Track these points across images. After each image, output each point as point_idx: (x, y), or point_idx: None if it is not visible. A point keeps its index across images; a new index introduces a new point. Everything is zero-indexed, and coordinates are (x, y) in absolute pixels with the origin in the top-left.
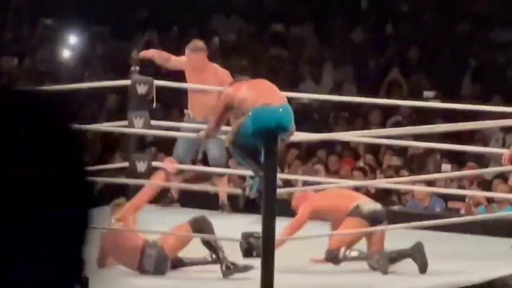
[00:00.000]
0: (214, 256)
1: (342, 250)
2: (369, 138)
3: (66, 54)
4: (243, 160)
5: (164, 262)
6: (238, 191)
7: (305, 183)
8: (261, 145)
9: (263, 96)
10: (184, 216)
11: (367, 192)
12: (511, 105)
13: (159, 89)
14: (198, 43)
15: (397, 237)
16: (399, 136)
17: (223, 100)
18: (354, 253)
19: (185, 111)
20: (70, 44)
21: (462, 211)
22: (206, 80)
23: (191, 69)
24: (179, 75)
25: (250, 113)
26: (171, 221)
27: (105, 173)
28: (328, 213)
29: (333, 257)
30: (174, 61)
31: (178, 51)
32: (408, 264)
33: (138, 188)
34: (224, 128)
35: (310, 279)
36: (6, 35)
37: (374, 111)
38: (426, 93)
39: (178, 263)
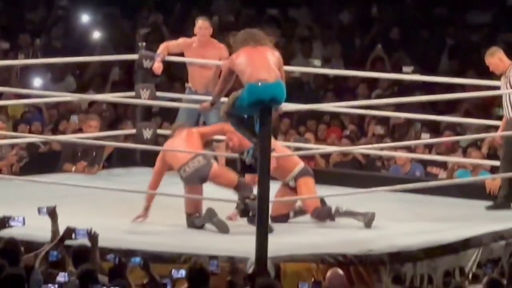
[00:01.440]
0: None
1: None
2: (355, 109)
3: (79, 32)
4: (238, 128)
5: None
6: (235, 156)
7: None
8: (255, 115)
9: (259, 72)
10: None
11: (353, 158)
12: (484, 79)
13: (164, 63)
14: (205, 20)
15: (380, 199)
16: (382, 107)
17: (227, 64)
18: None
19: (186, 84)
20: (83, 23)
21: (440, 176)
22: (206, 54)
23: (196, 43)
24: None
25: (246, 87)
26: (177, 183)
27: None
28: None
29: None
30: (173, 48)
31: (180, 31)
32: (389, 224)
33: (145, 151)
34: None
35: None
36: (24, 15)
37: (359, 84)
38: (405, 68)
39: None
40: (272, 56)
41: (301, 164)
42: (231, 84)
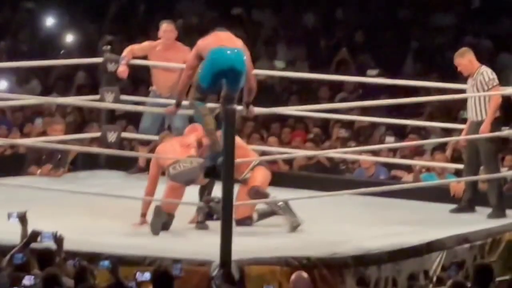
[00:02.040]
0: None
1: None
2: (320, 113)
3: (44, 35)
4: (202, 119)
5: None
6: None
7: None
8: (219, 87)
9: (221, 40)
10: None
11: (318, 162)
12: (448, 81)
13: (129, 66)
14: (170, 23)
15: (345, 202)
16: (347, 110)
17: (194, 50)
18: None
19: (150, 88)
20: (48, 26)
21: (405, 179)
22: (171, 58)
23: (161, 46)
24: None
25: (209, 53)
26: (139, 186)
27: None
28: None
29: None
30: (138, 51)
31: (144, 33)
32: (354, 227)
33: (109, 156)
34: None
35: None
36: None
37: (323, 87)
38: (370, 71)
39: None
40: (237, 39)
41: (256, 160)
42: (193, 77)
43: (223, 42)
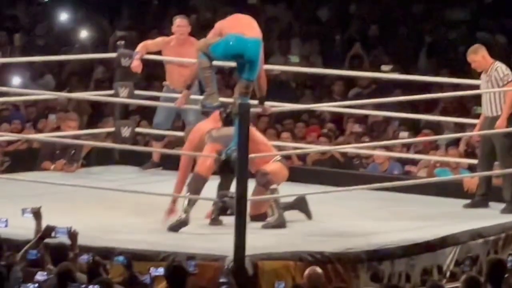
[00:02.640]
0: None
1: None
2: (334, 108)
3: (58, 30)
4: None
5: None
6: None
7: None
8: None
9: (242, 26)
10: (166, 177)
11: (332, 157)
12: (462, 77)
13: (143, 62)
14: (183, 18)
15: (359, 197)
16: (361, 106)
17: (213, 31)
18: None
19: (164, 83)
20: (63, 21)
21: (419, 174)
22: (185, 53)
23: (175, 42)
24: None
25: (225, 37)
26: (153, 181)
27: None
28: None
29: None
30: (152, 46)
31: (158, 28)
32: (367, 222)
33: (123, 150)
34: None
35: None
36: (2, 11)
37: (337, 82)
38: (384, 67)
39: None
40: (257, 28)
41: (277, 157)
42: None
43: (244, 28)
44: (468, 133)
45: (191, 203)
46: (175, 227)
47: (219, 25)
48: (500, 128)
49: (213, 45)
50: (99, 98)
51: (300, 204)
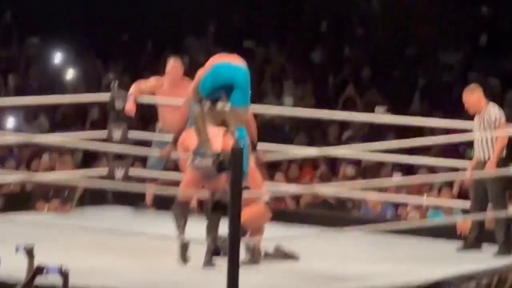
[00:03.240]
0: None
1: None
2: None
3: (52, 70)
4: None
5: None
6: (206, 195)
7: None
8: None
9: (226, 57)
10: (160, 218)
11: (325, 199)
12: (455, 118)
13: (137, 103)
14: (177, 59)
15: (351, 240)
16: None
17: (195, 81)
18: None
19: (157, 124)
20: (56, 62)
21: (411, 215)
22: (178, 95)
23: (168, 83)
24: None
25: (211, 69)
26: (147, 222)
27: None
28: None
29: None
30: (145, 88)
31: (152, 68)
32: (360, 265)
33: (116, 192)
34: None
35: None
36: None
37: (331, 123)
38: (377, 109)
39: None
40: (242, 61)
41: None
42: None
43: (229, 58)
44: (460, 175)
45: (181, 229)
46: (184, 257)
47: (197, 78)
48: (491, 171)
49: (202, 82)
50: (90, 145)
51: (278, 254)
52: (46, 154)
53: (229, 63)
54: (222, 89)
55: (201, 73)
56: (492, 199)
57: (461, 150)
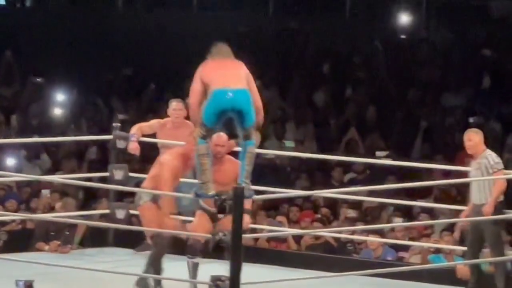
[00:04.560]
0: None
1: None
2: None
3: (54, 110)
4: (198, 159)
5: None
6: (208, 236)
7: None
8: (219, 125)
9: (225, 78)
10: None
11: (325, 242)
12: (456, 162)
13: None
14: (179, 102)
15: (351, 283)
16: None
17: (196, 75)
18: None
19: None
20: (58, 101)
21: (412, 260)
22: (180, 136)
23: (170, 125)
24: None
25: (212, 94)
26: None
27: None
28: None
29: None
30: (147, 129)
31: (154, 109)
32: None
33: (117, 232)
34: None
35: None
36: None
37: (333, 166)
38: (378, 153)
39: None
40: (240, 69)
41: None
42: (201, 102)
43: (227, 80)
44: (459, 219)
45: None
46: None
47: (199, 73)
48: (487, 214)
49: (204, 115)
50: (92, 184)
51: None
52: (45, 190)
53: (227, 89)
54: (225, 114)
55: (200, 74)
56: (490, 244)
57: (463, 194)
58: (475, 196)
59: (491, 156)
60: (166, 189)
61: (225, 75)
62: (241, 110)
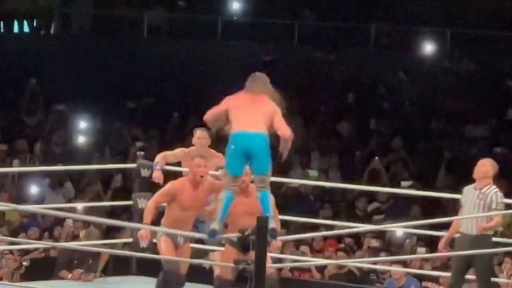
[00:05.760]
0: None
1: None
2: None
3: (77, 137)
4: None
5: None
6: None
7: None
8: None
9: (245, 123)
10: None
11: (349, 271)
12: None
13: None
14: (203, 130)
15: None
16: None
17: (225, 100)
18: None
19: None
20: (81, 128)
21: None
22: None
23: (195, 153)
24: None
25: (231, 139)
26: None
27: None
28: None
29: None
30: (171, 158)
31: (178, 137)
32: None
33: (141, 260)
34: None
35: None
36: (22, 119)
37: (356, 196)
38: (404, 183)
39: None
40: (264, 106)
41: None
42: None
43: (247, 124)
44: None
45: None
46: None
47: (230, 101)
48: (479, 227)
49: (226, 159)
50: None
51: None
52: (69, 219)
53: (245, 132)
54: (244, 157)
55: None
56: (479, 275)
57: None
58: (467, 226)
59: (499, 194)
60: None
61: (246, 117)
62: (255, 154)
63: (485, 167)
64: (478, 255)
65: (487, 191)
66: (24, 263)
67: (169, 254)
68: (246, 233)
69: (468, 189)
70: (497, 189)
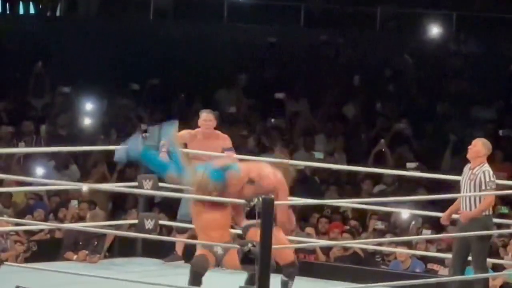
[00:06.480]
0: None
1: None
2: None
3: (83, 119)
4: None
5: None
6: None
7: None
8: None
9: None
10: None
11: (354, 253)
12: None
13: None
14: (209, 112)
15: None
16: (384, 203)
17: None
18: None
19: None
20: (87, 110)
21: (441, 272)
22: (210, 147)
23: (201, 135)
24: None
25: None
26: (178, 274)
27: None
28: None
29: None
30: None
31: (184, 118)
32: None
33: (146, 242)
34: None
35: None
36: (29, 102)
37: (362, 178)
38: (409, 164)
39: None
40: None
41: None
42: None
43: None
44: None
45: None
46: None
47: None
48: (467, 217)
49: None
50: (124, 190)
51: None
52: (74, 200)
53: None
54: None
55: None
56: (473, 257)
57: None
58: (465, 205)
59: (489, 173)
60: None
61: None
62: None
63: (476, 146)
64: (472, 237)
65: (477, 172)
66: (33, 248)
67: None
68: (252, 203)
69: (465, 169)
70: (486, 169)
